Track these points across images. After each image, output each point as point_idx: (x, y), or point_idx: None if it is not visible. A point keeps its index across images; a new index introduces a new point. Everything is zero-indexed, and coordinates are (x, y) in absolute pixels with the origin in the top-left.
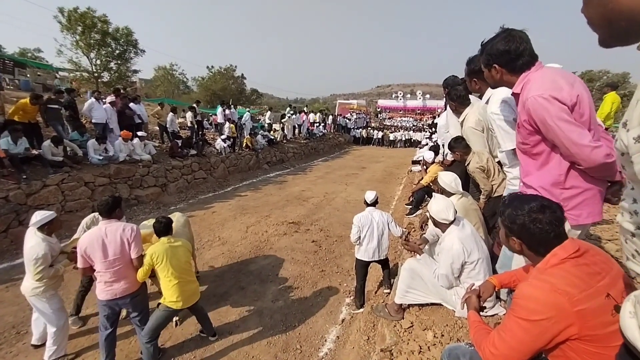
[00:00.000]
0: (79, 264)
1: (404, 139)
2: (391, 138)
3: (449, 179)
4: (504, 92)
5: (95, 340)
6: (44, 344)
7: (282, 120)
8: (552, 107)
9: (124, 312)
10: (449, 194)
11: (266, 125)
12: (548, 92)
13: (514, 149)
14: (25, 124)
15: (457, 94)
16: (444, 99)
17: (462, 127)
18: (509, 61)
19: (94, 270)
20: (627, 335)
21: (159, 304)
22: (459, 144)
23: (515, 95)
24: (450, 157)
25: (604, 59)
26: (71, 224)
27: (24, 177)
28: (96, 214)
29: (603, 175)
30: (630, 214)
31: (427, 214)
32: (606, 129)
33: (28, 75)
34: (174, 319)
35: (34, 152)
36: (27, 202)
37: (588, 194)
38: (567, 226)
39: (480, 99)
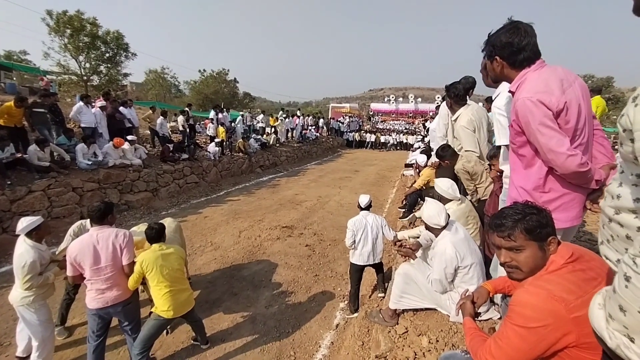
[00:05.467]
0: (69, 272)
1: (396, 142)
2: (382, 141)
3: (446, 185)
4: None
5: (82, 352)
6: (29, 356)
7: (275, 124)
8: (537, 112)
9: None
10: (447, 201)
11: (259, 128)
12: (537, 95)
13: (507, 145)
14: (10, 128)
15: (455, 92)
16: (435, 102)
17: (454, 124)
18: (511, 54)
19: (84, 278)
20: (594, 324)
21: (151, 312)
22: (446, 152)
23: (512, 94)
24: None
25: (589, 64)
26: (58, 230)
27: (9, 182)
28: (84, 221)
29: (578, 182)
30: (612, 197)
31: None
32: None
33: (14, 79)
34: None
35: (18, 155)
36: (12, 208)
37: (566, 198)
38: None
39: (467, 98)
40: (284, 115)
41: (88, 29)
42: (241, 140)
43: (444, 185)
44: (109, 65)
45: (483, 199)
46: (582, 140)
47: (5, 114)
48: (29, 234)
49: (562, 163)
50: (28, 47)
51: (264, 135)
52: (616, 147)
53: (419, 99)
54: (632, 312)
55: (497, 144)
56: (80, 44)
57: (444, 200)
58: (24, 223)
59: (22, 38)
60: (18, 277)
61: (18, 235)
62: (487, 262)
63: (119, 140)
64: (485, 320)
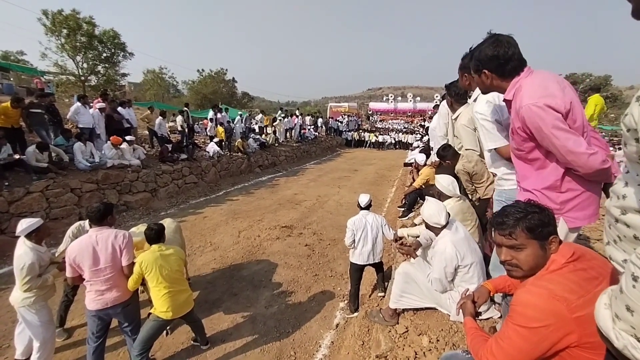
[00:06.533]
0: (68, 274)
1: (394, 141)
2: (380, 140)
3: (446, 182)
4: (490, 93)
5: (82, 354)
6: (28, 358)
7: (274, 124)
8: (547, 116)
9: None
10: (446, 197)
11: (257, 128)
12: (542, 100)
13: (495, 149)
14: (7, 129)
15: (455, 91)
16: (434, 101)
17: (454, 123)
18: (498, 66)
19: (83, 279)
20: (600, 324)
21: (150, 313)
22: (447, 152)
23: (507, 102)
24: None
25: (587, 63)
26: (56, 232)
27: (6, 184)
28: (83, 222)
29: (600, 179)
30: (618, 197)
31: (419, 218)
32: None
33: (11, 79)
34: None
35: (16, 156)
36: (9, 209)
37: (584, 196)
38: (564, 229)
39: (469, 96)
40: (283, 115)
41: (84, 28)
42: (240, 140)
43: (444, 182)
44: (107, 65)
45: (484, 198)
46: (588, 136)
47: (1, 114)
48: (28, 236)
49: (585, 163)
50: (25, 48)
51: (263, 135)
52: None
53: (418, 98)
54: None
55: (485, 148)
56: (77, 43)
57: (443, 196)
58: (24, 225)
59: (19, 38)
60: (17, 278)
61: (17, 237)
62: (487, 260)
63: (116, 138)
64: (485, 319)
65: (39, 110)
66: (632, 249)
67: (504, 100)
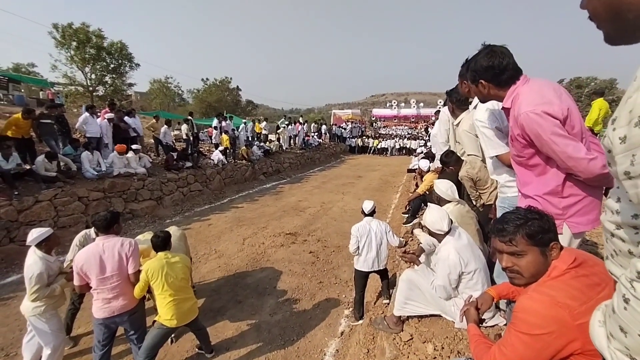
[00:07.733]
0: (75, 282)
1: (398, 147)
2: (383, 146)
3: (445, 187)
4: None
5: None
6: None
7: (278, 131)
8: (545, 123)
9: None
10: (445, 202)
11: (262, 135)
12: (540, 107)
13: (497, 156)
14: (18, 139)
15: (457, 97)
16: (437, 107)
17: (456, 129)
18: (494, 76)
19: (91, 287)
20: (595, 343)
21: (154, 321)
22: (450, 159)
23: (505, 110)
24: (437, 164)
25: (592, 66)
26: (64, 240)
27: (16, 193)
28: (88, 230)
29: (600, 184)
30: (612, 212)
31: (422, 223)
32: (596, 134)
33: (22, 91)
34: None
35: (25, 166)
36: (19, 218)
37: (586, 201)
38: (568, 234)
39: (470, 102)
40: (286, 122)
41: (93, 40)
42: (244, 147)
43: (443, 187)
44: (114, 75)
45: (488, 203)
46: (587, 142)
47: (13, 125)
48: (38, 245)
49: (585, 168)
50: (36, 60)
51: (267, 142)
52: None
53: (421, 104)
54: (633, 335)
55: (486, 156)
56: (86, 55)
57: (442, 201)
58: (34, 234)
59: (30, 51)
60: (27, 287)
61: (25, 246)
62: (490, 266)
63: (120, 146)
64: (491, 326)
65: (49, 121)
66: (628, 263)
67: (502, 108)
